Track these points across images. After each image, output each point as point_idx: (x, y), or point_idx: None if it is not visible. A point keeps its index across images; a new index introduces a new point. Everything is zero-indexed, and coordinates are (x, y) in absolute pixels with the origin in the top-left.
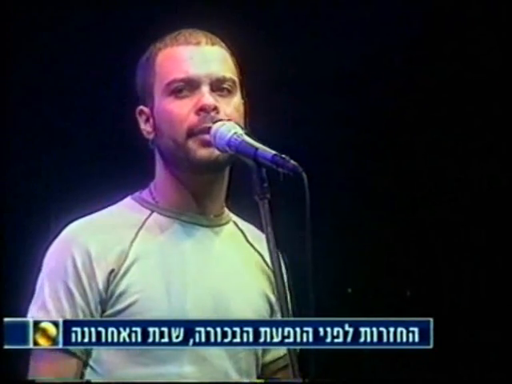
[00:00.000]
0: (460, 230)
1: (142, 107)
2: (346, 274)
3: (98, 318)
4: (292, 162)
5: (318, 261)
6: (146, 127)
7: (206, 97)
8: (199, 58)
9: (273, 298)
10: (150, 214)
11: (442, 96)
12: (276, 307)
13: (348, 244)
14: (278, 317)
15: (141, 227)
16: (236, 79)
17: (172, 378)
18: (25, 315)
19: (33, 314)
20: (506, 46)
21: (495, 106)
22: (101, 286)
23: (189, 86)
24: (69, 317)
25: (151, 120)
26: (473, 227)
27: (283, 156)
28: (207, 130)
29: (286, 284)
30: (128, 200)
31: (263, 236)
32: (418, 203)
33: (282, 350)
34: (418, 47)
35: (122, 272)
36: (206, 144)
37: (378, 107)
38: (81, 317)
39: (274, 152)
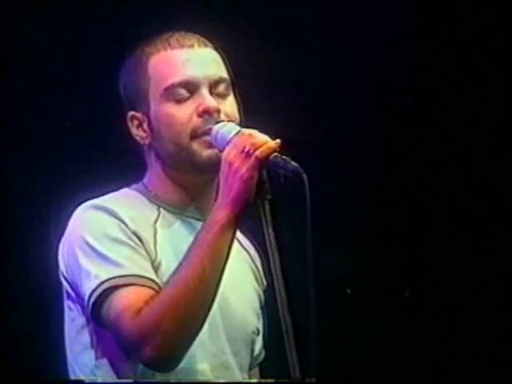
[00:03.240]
0: (460, 231)
1: (133, 113)
2: (346, 274)
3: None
4: (293, 163)
5: (318, 261)
6: (139, 132)
7: (208, 99)
8: (195, 60)
9: (261, 294)
10: (159, 209)
11: (443, 97)
12: (264, 301)
13: (348, 244)
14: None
15: (156, 220)
16: (229, 80)
17: (188, 374)
18: (26, 310)
19: (104, 274)
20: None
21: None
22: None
23: (188, 88)
24: (136, 263)
25: (145, 125)
26: (473, 228)
27: (284, 157)
28: (210, 132)
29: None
30: (131, 191)
31: (244, 237)
32: (417, 204)
33: (258, 348)
34: (417, 47)
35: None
36: (211, 145)
37: (379, 108)
38: (145, 263)
39: (275, 153)
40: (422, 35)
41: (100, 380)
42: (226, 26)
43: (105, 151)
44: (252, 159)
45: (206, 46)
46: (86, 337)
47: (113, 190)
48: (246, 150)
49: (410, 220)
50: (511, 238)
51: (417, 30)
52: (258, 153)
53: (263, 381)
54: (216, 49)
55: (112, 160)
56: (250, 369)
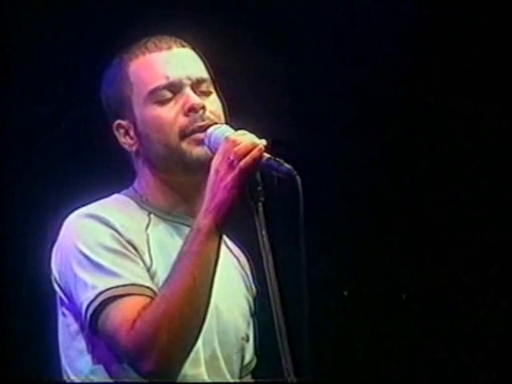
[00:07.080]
0: (456, 232)
1: (119, 121)
2: (342, 276)
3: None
4: (286, 165)
5: (313, 263)
6: (126, 140)
7: (192, 97)
8: (175, 61)
9: (251, 301)
10: (149, 214)
11: (437, 100)
12: (254, 308)
13: (343, 247)
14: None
15: (147, 227)
16: (210, 79)
17: (185, 379)
18: (23, 311)
19: (102, 284)
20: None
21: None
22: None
23: (171, 90)
24: (132, 272)
25: (132, 131)
26: (469, 230)
27: (277, 159)
28: (199, 130)
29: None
30: (122, 197)
31: (234, 244)
32: (413, 206)
33: (249, 355)
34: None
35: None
36: (200, 142)
37: (373, 109)
38: (141, 271)
39: (268, 155)
40: (418, 40)
41: None
42: (215, 27)
43: (103, 155)
44: (236, 170)
45: (183, 46)
46: (81, 343)
47: (108, 195)
48: (230, 160)
49: (406, 221)
50: (510, 239)
51: (413, 35)
52: (241, 164)
53: (244, 381)
54: (194, 49)
55: (110, 164)
56: (241, 376)
